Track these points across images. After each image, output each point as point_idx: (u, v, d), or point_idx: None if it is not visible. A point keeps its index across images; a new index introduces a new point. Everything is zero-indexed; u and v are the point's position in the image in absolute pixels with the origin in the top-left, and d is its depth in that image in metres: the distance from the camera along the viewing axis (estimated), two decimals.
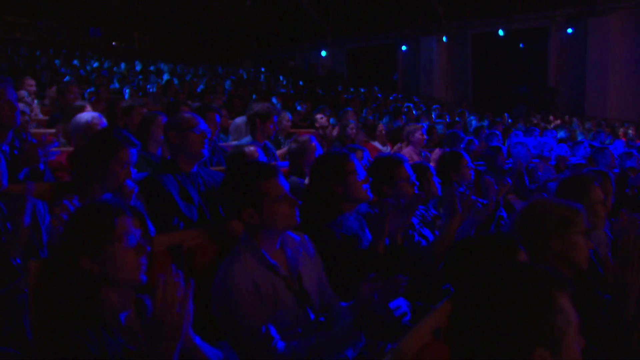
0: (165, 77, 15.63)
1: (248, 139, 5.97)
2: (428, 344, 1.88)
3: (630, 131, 16.69)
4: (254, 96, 12.80)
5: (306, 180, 4.54)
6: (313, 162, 3.50)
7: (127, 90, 10.87)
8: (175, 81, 14.19)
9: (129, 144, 3.15)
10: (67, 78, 12.25)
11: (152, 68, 17.87)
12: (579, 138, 12.26)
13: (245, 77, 20.23)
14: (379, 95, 19.72)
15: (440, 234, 3.48)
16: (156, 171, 3.74)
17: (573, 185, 3.45)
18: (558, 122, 17.76)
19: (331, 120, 10.12)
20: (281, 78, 20.84)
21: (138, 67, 17.77)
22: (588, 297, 2.88)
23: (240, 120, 7.52)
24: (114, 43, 29.41)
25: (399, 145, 7.93)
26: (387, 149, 8.24)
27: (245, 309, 2.34)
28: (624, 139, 14.55)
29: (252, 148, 4.34)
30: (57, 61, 16.25)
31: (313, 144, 4.85)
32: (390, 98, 19.16)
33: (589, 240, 2.70)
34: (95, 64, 17.32)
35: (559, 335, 1.34)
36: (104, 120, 4.59)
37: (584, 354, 1.46)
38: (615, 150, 9.38)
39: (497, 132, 10.33)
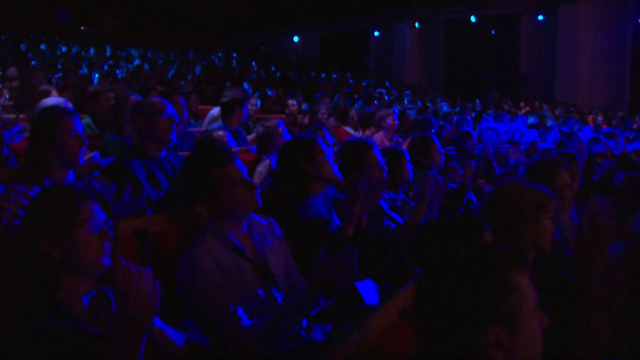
0: (136, 62, 15.42)
1: (219, 124, 5.94)
2: (393, 325, 1.89)
3: (599, 117, 16.91)
4: (227, 84, 12.68)
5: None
6: (280, 146, 3.50)
7: (96, 76, 10.70)
8: (146, 66, 14.00)
9: (66, 112, 3.10)
10: (33, 63, 12.03)
11: (122, 53, 17.61)
12: (549, 124, 12.38)
13: (216, 62, 20.05)
14: (351, 81, 19.71)
15: (408, 217, 3.51)
16: (123, 156, 3.69)
17: (541, 169, 3.49)
18: (528, 108, 17.93)
19: (303, 105, 10.09)
20: (253, 64, 20.69)
21: (108, 52, 17.49)
22: (553, 278, 2.92)
23: (216, 111, 7.48)
24: (82, 27, 28.84)
25: (371, 129, 7.93)
26: (359, 134, 8.25)
27: (211, 289, 2.33)
28: (592, 124, 14.73)
29: (220, 133, 4.30)
30: (23, 46, 15.90)
31: (280, 128, 4.85)
32: (363, 84, 19.15)
33: (554, 224, 2.74)
34: (64, 49, 17.01)
35: (514, 313, 1.34)
36: (70, 105, 4.52)
37: (548, 333, 1.47)
38: (584, 135, 9.52)
39: (468, 118, 10.40)
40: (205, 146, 4.09)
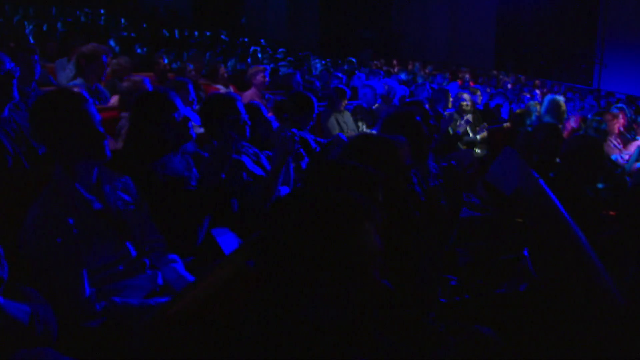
0: None
1: (79, 81, 5.64)
2: (239, 272, 1.89)
3: (466, 75, 17.68)
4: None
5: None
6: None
7: None
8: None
9: None
10: None
11: None
12: (419, 81, 12.80)
13: (82, 19, 18.94)
14: (225, 39, 19.34)
15: (269, 173, 3.50)
16: None
17: (396, 120, 3.53)
18: (399, 67, 18.38)
19: (173, 64, 9.84)
20: (122, 20, 19.73)
21: None
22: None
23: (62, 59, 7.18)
24: None
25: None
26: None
27: (55, 249, 2.21)
28: (459, 81, 15.37)
29: (76, 90, 4.08)
30: None
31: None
32: (237, 42, 18.85)
33: (408, 174, 2.82)
34: None
35: (340, 259, 1.36)
36: None
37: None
38: (452, 91, 9.94)
39: (341, 75, 10.55)
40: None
